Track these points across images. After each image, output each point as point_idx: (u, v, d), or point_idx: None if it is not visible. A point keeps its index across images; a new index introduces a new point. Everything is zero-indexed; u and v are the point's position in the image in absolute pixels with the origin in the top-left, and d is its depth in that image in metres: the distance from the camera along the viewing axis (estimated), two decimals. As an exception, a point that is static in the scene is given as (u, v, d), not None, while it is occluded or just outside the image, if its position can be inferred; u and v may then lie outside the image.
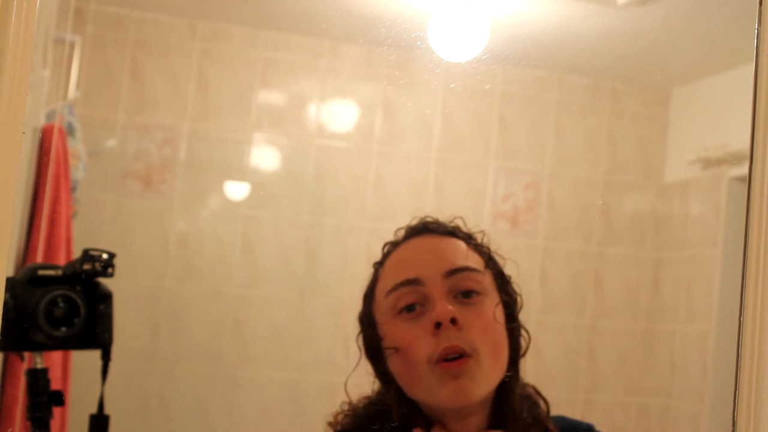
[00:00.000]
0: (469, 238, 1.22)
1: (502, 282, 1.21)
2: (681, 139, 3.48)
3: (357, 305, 1.24)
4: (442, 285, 1.15)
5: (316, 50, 3.29)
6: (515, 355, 1.20)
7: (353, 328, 1.24)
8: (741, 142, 3.10)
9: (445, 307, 1.13)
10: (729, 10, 2.67)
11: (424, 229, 1.22)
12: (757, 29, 0.97)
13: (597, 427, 1.25)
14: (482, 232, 1.24)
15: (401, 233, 1.23)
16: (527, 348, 1.21)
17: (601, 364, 3.44)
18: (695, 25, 2.96)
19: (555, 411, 1.26)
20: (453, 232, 1.21)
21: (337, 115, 3.39)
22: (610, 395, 3.42)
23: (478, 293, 1.17)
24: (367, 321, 1.21)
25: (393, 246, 1.22)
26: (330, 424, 1.24)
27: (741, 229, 0.97)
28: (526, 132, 3.46)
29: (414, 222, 1.24)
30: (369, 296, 1.22)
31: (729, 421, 0.95)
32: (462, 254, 1.18)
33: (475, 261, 1.19)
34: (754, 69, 0.97)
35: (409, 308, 1.16)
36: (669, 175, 3.51)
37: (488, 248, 1.22)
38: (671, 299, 3.43)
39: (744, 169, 3.06)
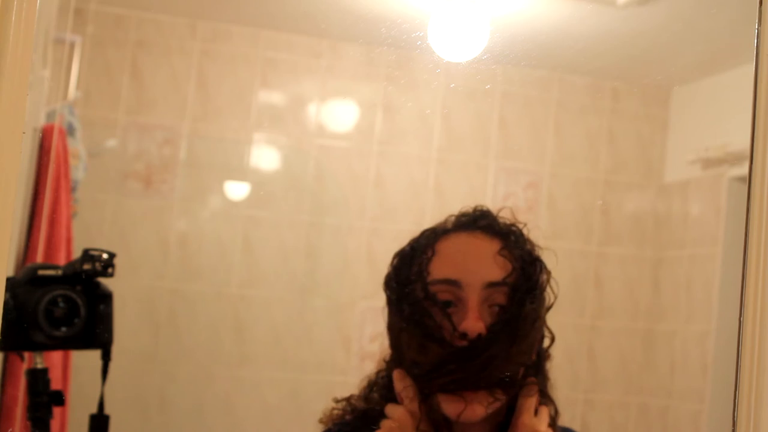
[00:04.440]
0: (509, 236, 1.23)
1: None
2: (681, 139, 3.48)
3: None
4: (479, 294, 1.17)
5: (316, 50, 3.29)
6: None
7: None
8: (741, 142, 3.10)
9: (476, 321, 1.15)
10: (729, 10, 2.67)
11: (474, 224, 1.23)
12: (757, 29, 0.97)
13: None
14: (524, 224, 1.27)
15: (452, 220, 1.24)
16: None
17: (601, 364, 3.43)
18: (695, 25, 2.96)
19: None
20: (500, 232, 1.23)
21: (337, 115, 3.39)
22: (610, 395, 3.41)
23: None
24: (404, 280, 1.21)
25: (444, 232, 1.23)
26: (321, 421, 1.24)
27: (741, 229, 0.97)
28: (526, 132, 3.46)
29: (466, 210, 1.25)
30: (409, 264, 1.21)
31: (729, 421, 0.95)
32: (504, 264, 1.20)
33: (509, 268, 1.20)
34: (754, 69, 0.97)
35: (446, 303, 1.17)
36: (669, 175, 3.50)
37: (529, 245, 1.25)
38: (671, 299, 3.43)
39: (744, 169, 3.06)
